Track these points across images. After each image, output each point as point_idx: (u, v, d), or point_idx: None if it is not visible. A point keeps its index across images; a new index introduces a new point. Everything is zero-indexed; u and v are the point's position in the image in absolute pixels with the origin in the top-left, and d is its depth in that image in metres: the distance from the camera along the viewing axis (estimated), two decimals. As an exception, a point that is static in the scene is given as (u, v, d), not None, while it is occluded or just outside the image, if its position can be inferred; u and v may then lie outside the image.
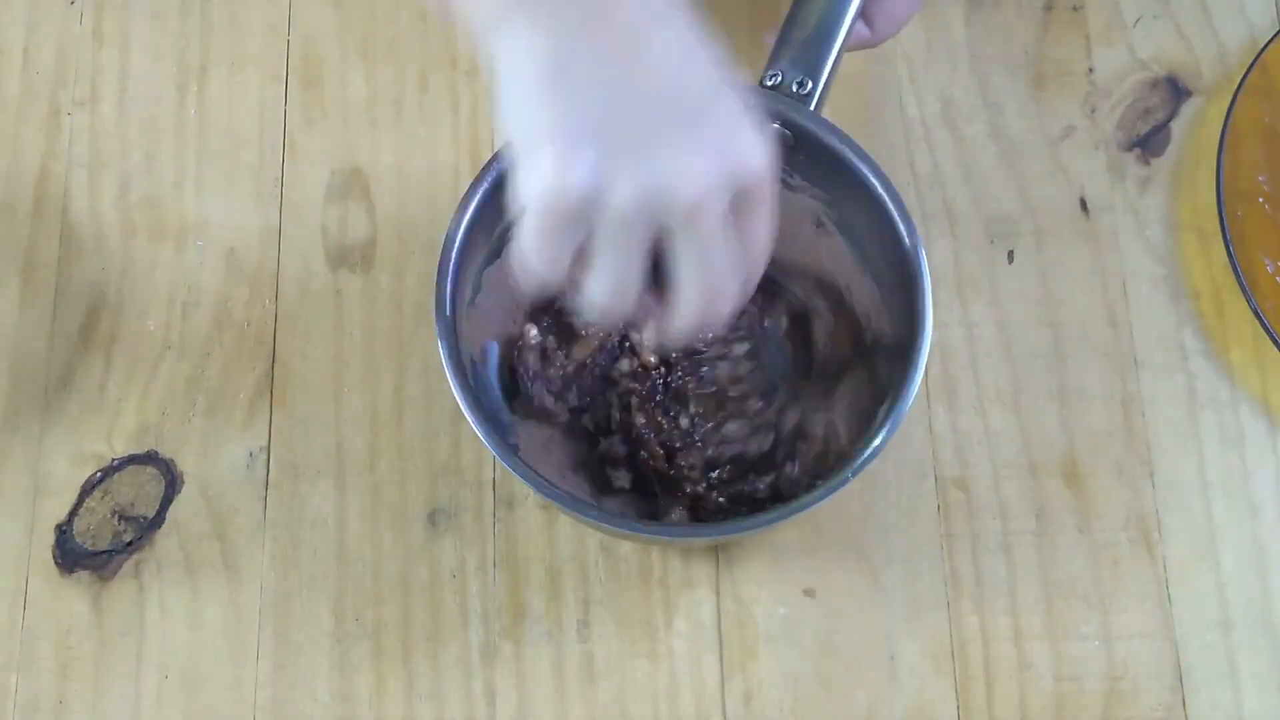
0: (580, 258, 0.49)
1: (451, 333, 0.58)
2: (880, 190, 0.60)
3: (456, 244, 0.59)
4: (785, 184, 0.65)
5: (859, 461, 0.57)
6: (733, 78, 0.49)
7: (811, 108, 0.61)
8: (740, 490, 0.64)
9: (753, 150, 0.48)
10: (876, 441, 0.57)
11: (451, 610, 0.66)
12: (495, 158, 0.59)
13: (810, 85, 0.61)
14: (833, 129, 0.61)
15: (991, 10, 0.76)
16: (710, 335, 0.65)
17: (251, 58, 0.75)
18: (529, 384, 0.65)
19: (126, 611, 0.66)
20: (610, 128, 0.46)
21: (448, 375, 0.57)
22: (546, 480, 0.58)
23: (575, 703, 0.65)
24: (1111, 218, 0.72)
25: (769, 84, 0.61)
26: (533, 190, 0.47)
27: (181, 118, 0.74)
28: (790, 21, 0.61)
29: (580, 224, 0.47)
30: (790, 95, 0.61)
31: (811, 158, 0.62)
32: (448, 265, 0.58)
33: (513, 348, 0.66)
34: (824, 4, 0.61)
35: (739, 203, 0.48)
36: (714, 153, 0.47)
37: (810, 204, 0.65)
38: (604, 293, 0.49)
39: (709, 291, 0.50)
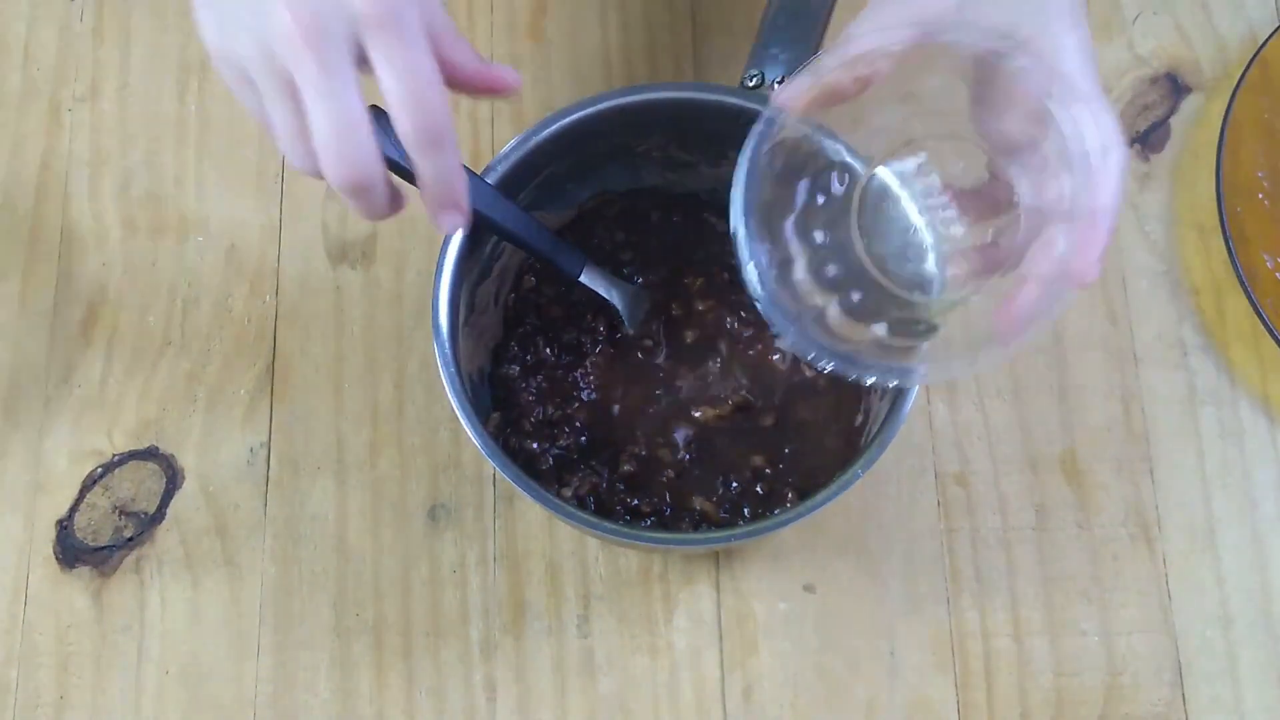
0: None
1: (451, 357, 0.57)
2: None
3: (450, 267, 0.58)
4: None
5: (859, 464, 0.56)
6: None
7: None
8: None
9: None
10: (873, 448, 0.56)
11: (452, 606, 0.66)
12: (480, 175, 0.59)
13: None
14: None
15: (991, 7, 0.76)
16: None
17: (252, 54, 0.75)
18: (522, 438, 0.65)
19: (127, 607, 0.66)
20: None
21: (453, 404, 0.56)
22: (552, 496, 0.57)
23: (575, 697, 0.65)
24: (1111, 214, 0.72)
25: (749, 84, 0.61)
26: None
27: (182, 114, 0.74)
28: (767, 22, 0.61)
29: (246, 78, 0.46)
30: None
31: None
32: (439, 290, 0.58)
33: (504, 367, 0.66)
34: (800, 3, 0.61)
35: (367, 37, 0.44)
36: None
37: None
38: (328, 135, 0.44)
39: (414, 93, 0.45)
